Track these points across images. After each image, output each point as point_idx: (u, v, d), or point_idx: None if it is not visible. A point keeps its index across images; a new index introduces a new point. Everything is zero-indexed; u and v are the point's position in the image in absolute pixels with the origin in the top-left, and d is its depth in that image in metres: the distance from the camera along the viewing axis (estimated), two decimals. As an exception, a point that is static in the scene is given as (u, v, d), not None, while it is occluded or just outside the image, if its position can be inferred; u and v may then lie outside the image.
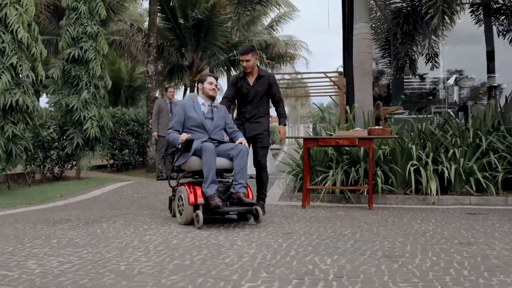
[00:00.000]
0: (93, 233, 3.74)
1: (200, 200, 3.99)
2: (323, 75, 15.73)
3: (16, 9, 6.31)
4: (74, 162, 8.88)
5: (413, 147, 5.78)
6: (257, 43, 18.37)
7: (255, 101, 4.80)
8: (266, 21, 21.27)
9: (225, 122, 4.55)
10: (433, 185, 5.52)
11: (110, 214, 4.88)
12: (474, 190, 5.60)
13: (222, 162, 4.18)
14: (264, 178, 4.92)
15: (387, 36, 8.14)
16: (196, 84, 4.86)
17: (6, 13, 6.23)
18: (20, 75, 6.42)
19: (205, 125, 4.38)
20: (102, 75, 8.58)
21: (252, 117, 4.84)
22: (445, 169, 5.59)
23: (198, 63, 14.81)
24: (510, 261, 2.69)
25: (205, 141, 4.24)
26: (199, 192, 4.04)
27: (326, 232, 3.72)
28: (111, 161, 11.31)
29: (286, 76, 26.18)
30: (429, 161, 5.65)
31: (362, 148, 5.74)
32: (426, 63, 8.90)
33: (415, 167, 5.61)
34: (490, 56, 8.25)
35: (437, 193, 5.54)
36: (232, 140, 4.51)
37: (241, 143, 4.29)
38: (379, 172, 5.75)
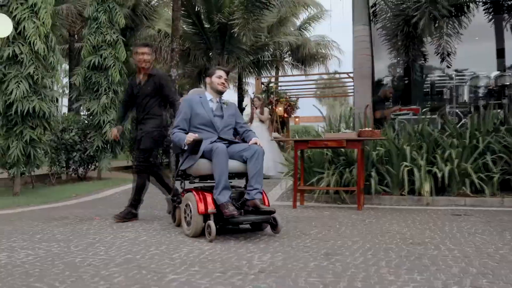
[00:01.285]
0: (78, 229, 4.07)
1: (211, 209, 3.55)
2: (346, 75, 15.80)
3: (34, 22, 6.83)
4: (97, 163, 9.39)
5: (408, 148, 5.80)
6: (286, 44, 18.52)
7: (144, 102, 4.54)
8: (298, 22, 21.40)
9: (236, 120, 4.15)
10: (427, 186, 5.52)
11: (109, 212, 5.21)
12: (470, 191, 5.56)
13: (234, 165, 3.72)
14: (137, 184, 4.64)
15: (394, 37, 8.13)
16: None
17: (24, 26, 6.75)
18: (38, 84, 6.92)
19: (214, 123, 3.94)
20: (120, 81, 9.05)
21: (142, 119, 4.59)
22: (438, 170, 5.58)
23: (224, 65, 15.16)
24: (441, 261, 2.76)
25: (215, 141, 3.82)
26: (209, 199, 3.58)
27: (293, 232, 3.87)
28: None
29: (324, 76, 26.21)
30: (423, 162, 5.65)
31: (356, 150, 5.82)
32: (441, 62, 8.77)
33: (409, 168, 5.64)
34: (501, 54, 8.06)
35: (431, 194, 5.54)
36: (244, 141, 4.08)
37: (255, 143, 3.84)
38: (373, 173, 5.81)
